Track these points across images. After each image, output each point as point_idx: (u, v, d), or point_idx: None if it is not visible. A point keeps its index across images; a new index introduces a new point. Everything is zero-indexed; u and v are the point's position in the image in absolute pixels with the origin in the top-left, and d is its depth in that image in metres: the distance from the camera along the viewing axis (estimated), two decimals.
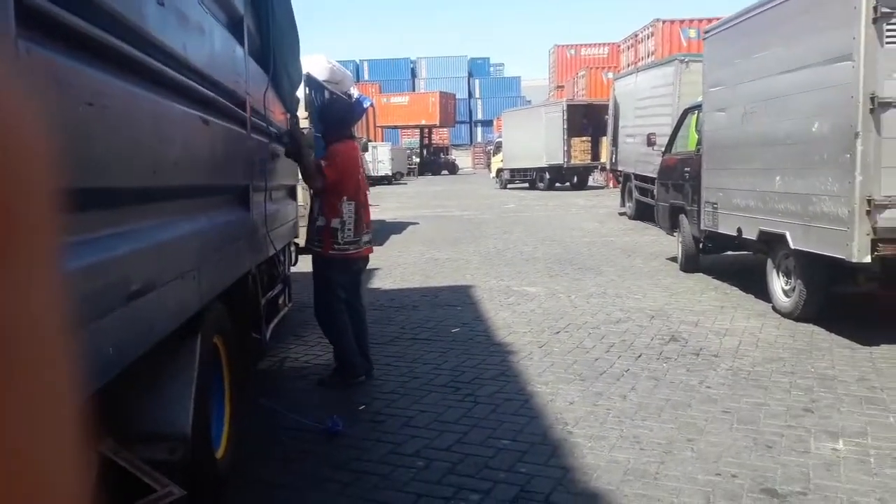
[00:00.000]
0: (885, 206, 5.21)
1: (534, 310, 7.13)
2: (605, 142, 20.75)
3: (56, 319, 0.35)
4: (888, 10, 5.10)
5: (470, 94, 72.16)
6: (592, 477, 3.41)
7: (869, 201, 5.20)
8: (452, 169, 49.40)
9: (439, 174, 46.94)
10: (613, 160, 17.53)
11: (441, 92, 50.59)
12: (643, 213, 14.15)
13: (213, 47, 3.12)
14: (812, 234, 5.82)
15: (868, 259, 5.24)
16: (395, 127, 40.42)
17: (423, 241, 13.20)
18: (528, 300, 7.60)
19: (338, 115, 5.20)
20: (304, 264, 7.72)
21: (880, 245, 5.24)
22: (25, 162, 0.32)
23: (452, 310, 7.23)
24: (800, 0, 6.11)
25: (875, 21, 5.12)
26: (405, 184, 38.32)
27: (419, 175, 45.42)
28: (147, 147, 2.22)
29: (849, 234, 5.28)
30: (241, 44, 3.75)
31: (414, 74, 73.11)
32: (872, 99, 5.16)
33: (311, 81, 10.29)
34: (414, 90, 71.17)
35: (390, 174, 37.67)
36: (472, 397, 4.57)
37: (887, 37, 5.15)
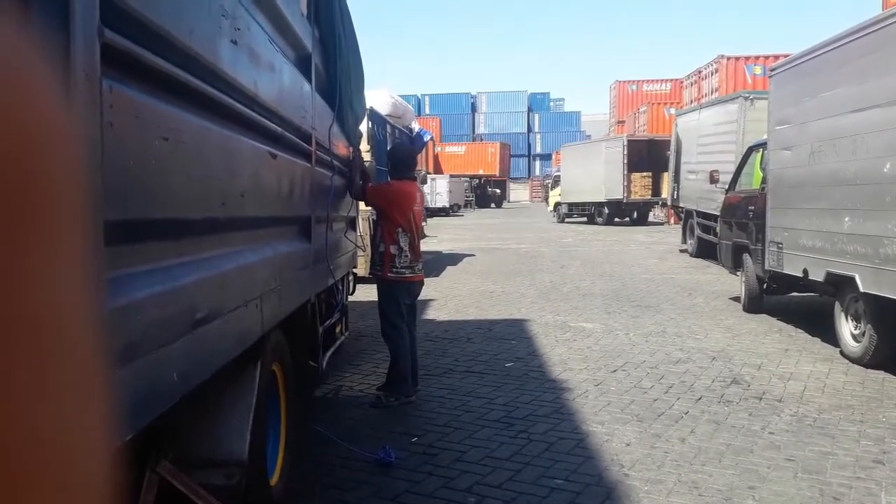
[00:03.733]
0: None
1: (590, 346, 7.02)
2: (667, 177, 20.50)
3: (78, 320, 0.36)
4: None
5: (529, 129, 72.32)
6: None
7: None
8: (499, 202, 49.91)
9: (488, 206, 47.32)
10: (675, 196, 17.27)
11: (501, 143, 51.57)
12: (705, 251, 13.86)
13: (282, 84, 3.24)
14: (884, 278, 5.59)
15: None
16: (454, 175, 41.44)
17: (478, 273, 13.20)
18: (584, 336, 7.50)
19: (401, 158, 5.61)
20: (362, 293, 7.84)
21: None
22: (48, 165, 0.34)
23: (507, 343, 7.19)
24: (871, 38, 5.95)
25: None
26: (462, 216, 38.52)
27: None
28: (217, 180, 2.31)
29: None
30: (309, 80, 3.88)
31: (474, 109, 73.78)
32: None
33: (374, 115, 10.55)
34: (474, 125, 72.03)
35: (448, 206, 38.00)
36: (525, 434, 4.51)
37: None
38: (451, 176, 40.43)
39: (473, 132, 71.54)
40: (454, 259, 15.44)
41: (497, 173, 49.91)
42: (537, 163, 69.76)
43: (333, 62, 4.54)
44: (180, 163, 1.97)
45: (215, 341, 2.23)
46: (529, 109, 73.42)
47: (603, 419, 4.80)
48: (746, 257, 8.71)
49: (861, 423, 4.67)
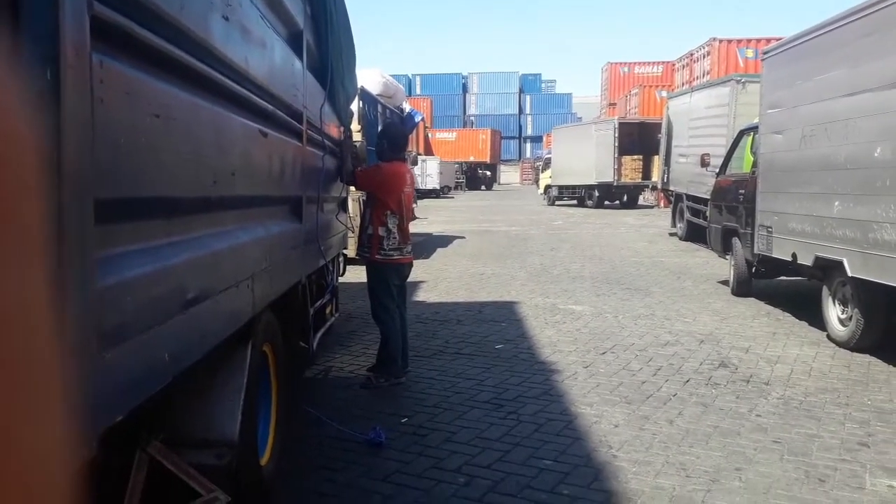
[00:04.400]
0: None
1: (580, 329, 7.05)
2: (657, 161, 20.52)
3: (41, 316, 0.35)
4: None
5: (520, 110, 72.10)
6: (636, 503, 3.34)
7: None
8: (489, 184, 50.26)
9: (478, 189, 47.39)
10: (665, 179, 17.29)
11: (492, 130, 51.61)
12: (694, 234, 13.91)
13: (273, 61, 3.20)
14: (872, 262, 5.62)
15: None
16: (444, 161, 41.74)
17: (469, 255, 13.20)
18: (574, 319, 7.53)
19: (393, 139, 5.50)
20: (352, 275, 7.82)
21: None
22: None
23: (497, 326, 7.20)
24: (865, 22, 5.94)
25: None
26: (452, 198, 38.46)
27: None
28: (208, 158, 2.28)
29: None
30: (300, 58, 3.83)
31: (465, 90, 73.42)
32: None
33: (365, 95, 10.46)
34: (465, 106, 71.69)
35: (438, 188, 37.90)
36: (514, 415, 4.53)
37: None
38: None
39: (465, 113, 71.24)
40: (444, 241, 15.42)
41: (488, 160, 50.17)
42: (528, 145, 69.63)
43: (325, 40, 4.49)
44: (171, 140, 1.94)
45: (207, 322, 2.21)
46: (521, 91, 73.13)
47: (592, 401, 4.83)
48: (736, 241, 8.74)
49: (847, 406, 4.72)
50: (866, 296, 5.90)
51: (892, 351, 5.86)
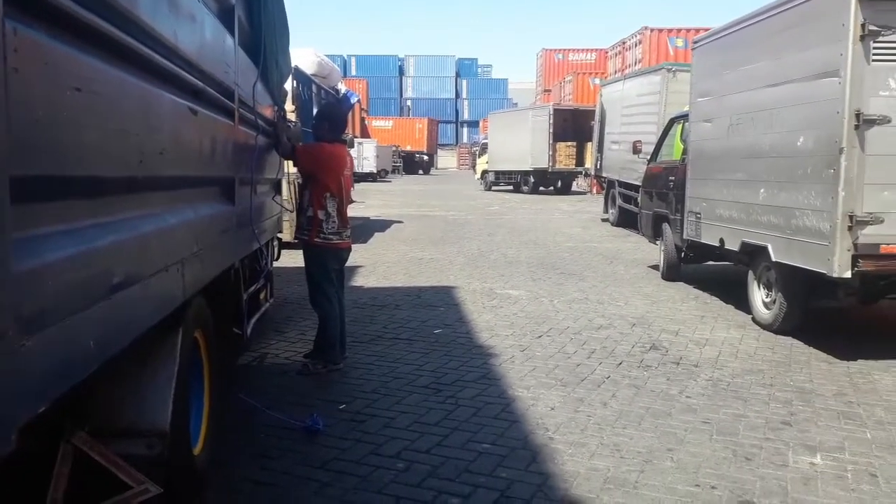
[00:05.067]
0: (867, 223, 5.25)
1: (516, 313, 7.12)
2: (590, 147, 20.86)
3: None
4: (875, 28, 5.14)
5: (457, 95, 72.18)
6: (572, 484, 3.40)
7: (851, 217, 5.24)
8: (427, 169, 50.45)
9: (416, 173, 47.43)
10: (598, 166, 17.60)
11: (429, 119, 51.69)
12: (626, 220, 14.23)
13: (203, 36, 3.06)
14: (794, 248, 5.86)
15: (848, 274, 5.27)
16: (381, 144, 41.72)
17: (407, 239, 13.15)
18: (510, 303, 7.59)
19: (335, 119, 5.43)
20: (288, 259, 7.68)
21: (860, 261, 5.28)
22: None
23: (435, 310, 7.20)
24: (788, 15, 6.13)
25: (862, 38, 5.16)
26: (390, 181, 38.26)
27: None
28: (134, 136, 2.16)
29: (830, 249, 5.31)
30: (232, 34, 3.69)
31: (401, 72, 72.94)
32: (858, 115, 5.20)
33: (300, 74, 10.22)
34: (401, 88, 71.22)
35: (375, 171, 37.62)
36: (453, 399, 4.54)
37: (874, 54, 5.18)
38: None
39: (401, 96, 70.81)
40: (382, 225, 15.32)
41: (425, 149, 50.34)
42: (465, 129, 69.86)
43: (258, 16, 4.34)
44: (94, 115, 1.83)
45: (134, 308, 2.11)
46: (457, 75, 73.18)
47: (528, 384, 4.88)
48: (666, 227, 8.97)
49: (771, 386, 4.91)
50: (789, 280, 6.14)
51: (813, 333, 6.13)
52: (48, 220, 1.57)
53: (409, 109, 62.58)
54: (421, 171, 49.39)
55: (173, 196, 2.65)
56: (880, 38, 5.16)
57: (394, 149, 45.48)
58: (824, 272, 5.39)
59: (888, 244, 5.29)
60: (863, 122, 5.21)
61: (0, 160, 1.30)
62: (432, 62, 73.01)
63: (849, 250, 5.27)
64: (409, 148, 48.70)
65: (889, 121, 5.20)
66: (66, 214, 1.66)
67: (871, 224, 5.26)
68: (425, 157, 51.70)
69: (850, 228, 5.26)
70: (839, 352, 5.68)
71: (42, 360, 1.48)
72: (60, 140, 1.62)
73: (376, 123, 47.92)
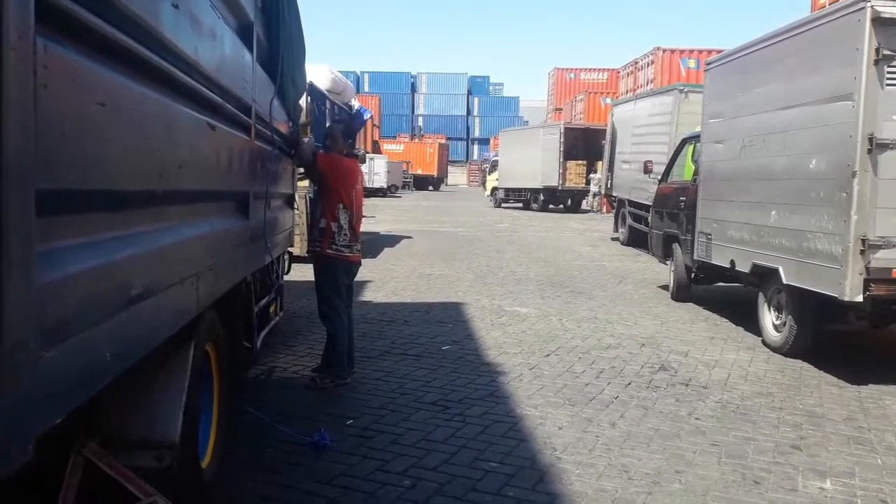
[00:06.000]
0: (879, 247, 5.24)
1: (525, 331, 7.11)
2: (601, 166, 20.89)
3: None
4: (890, 53, 5.15)
5: (468, 112, 72.60)
6: None
7: (863, 241, 5.23)
8: (437, 185, 50.99)
9: (426, 189, 47.87)
10: (609, 185, 17.62)
11: (440, 143, 52.31)
12: (636, 240, 14.21)
13: (223, 52, 3.11)
14: (805, 271, 5.84)
15: (860, 298, 5.25)
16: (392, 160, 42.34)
17: (416, 255, 13.18)
18: (519, 321, 7.59)
19: (347, 128, 5.65)
20: (298, 273, 7.71)
21: (872, 285, 5.26)
22: None
23: (443, 327, 7.20)
24: (802, 38, 6.16)
25: (877, 63, 5.17)
26: (400, 197, 38.37)
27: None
28: (155, 150, 2.20)
29: (842, 273, 5.30)
30: (250, 50, 3.75)
31: (414, 89, 73.44)
32: (871, 139, 5.20)
33: (314, 91, 10.32)
34: (413, 105, 71.67)
35: (385, 187, 37.77)
36: (460, 417, 4.53)
37: (888, 79, 5.19)
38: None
39: (413, 112, 71.22)
40: (392, 241, 15.36)
41: (435, 173, 51.00)
42: (475, 147, 70.17)
43: (276, 34, 4.40)
44: (118, 131, 1.87)
45: (150, 320, 2.13)
46: (469, 92, 73.62)
47: (536, 403, 4.87)
48: (676, 247, 8.96)
49: (780, 409, 4.88)
50: (800, 303, 6.11)
51: (823, 356, 6.10)
52: (71, 232, 1.60)
53: (420, 129, 62.88)
54: (431, 188, 49.65)
55: (190, 210, 2.68)
56: (894, 63, 5.18)
57: (404, 165, 45.78)
58: (836, 296, 5.38)
59: None
60: (876, 147, 5.21)
61: (27, 174, 1.33)
62: (444, 79, 73.51)
63: (861, 274, 5.25)
64: (419, 171, 49.23)
65: None
66: (87, 227, 1.69)
67: (884, 248, 5.25)
68: (435, 174, 52.19)
69: (862, 252, 5.24)
70: (850, 376, 5.64)
71: (61, 371, 1.51)
72: (85, 154, 1.65)
73: (388, 147, 48.28)
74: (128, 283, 1.91)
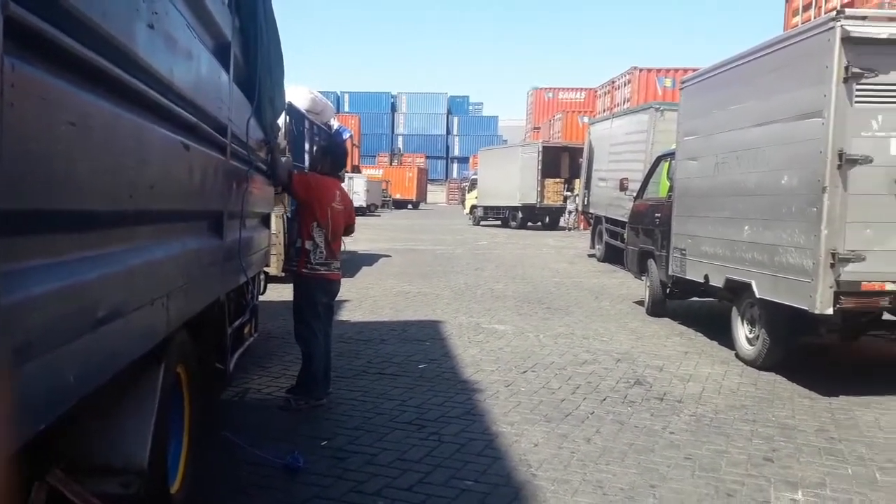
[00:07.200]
0: (849, 260, 5.34)
1: (502, 348, 7.13)
2: (578, 184, 21.08)
3: None
4: (859, 71, 5.27)
5: (448, 131, 73.05)
6: None
7: (833, 255, 5.32)
8: (416, 204, 51.48)
9: (405, 208, 48.25)
10: (586, 202, 17.77)
11: (419, 167, 52.78)
12: (612, 256, 14.33)
13: (198, 72, 3.12)
14: (777, 285, 5.93)
15: (830, 311, 5.34)
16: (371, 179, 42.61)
17: (394, 273, 13.17)
18: (496, 338, 7.60)
19: (335, 156, 5.65)
20: (273, 293, 7.67)
21: (842, 298, 5.36)
22: None
23: (420, 345, 7.20)
24: (774, 57, 6.29)
25: (846, 80, 5.28)
26: (378, 215, 38.37)
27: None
28: (126, 170, 2.19)
29: (813, 286, 5.39)
30: (227, 70, 3.76)
31: (394, 109, 73.74)
32: (840, 155, 5.30)
33: (293, 110, 10.33)
34: (393, 125, 71.94)
35: (365, 206, 37.80)
36: (436, 436, 4.52)
37: (857, 96, 5.30)
38: None
39: (393, 131, 71.45)
40: (370, 259, 15.34)
41: (414, 198, 51.31)
42: (455, 165, 70.53)
43: (253, 53, 4.41)
44: (88, 150, 1.86)
45: (117, 341, 2.12)
46: (449, 112, 74.11)
47: (513, 420, 4.87)
48: (651, 263, 9.06)
49: (753, 422, 4.94)
50: (772, 316, 6.20)
51: (796, 369, 6.18)
52: (36, 253, 1.59)
53: (399, 150, 63.10)
54: (410, 207, 49.77)
55: (162, 229, 2.67)
56: (863, 80, 5.29)
57: (383, 184, 45.91)
58: (807, 309, 5.46)
59: (869, 281, 5.38)
60: (845, 162, 5.31)
61: None
62: (424, 99, 73.97)
63: (831, 287, 5.35)
64: (398, 196, 49.49)
65: (871, 161, 5.31)
66: (54, 248, 1.68)
67: (853, 262, 5.35)
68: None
69: (832, 266, 5.34)
70: (821, 388, 5.72)
71: (23, 394, 1.49)
72: (52, 174, 1.65)
73: (367, 172, 48.54)
74: (95, 304, 1.90)
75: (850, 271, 5.35)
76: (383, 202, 45.07)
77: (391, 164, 55.63)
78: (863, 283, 5.38)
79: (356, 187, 36.51)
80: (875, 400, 5.49)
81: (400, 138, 70.77)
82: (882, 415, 5.16)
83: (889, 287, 5.39)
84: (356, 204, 37.29)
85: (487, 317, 8.88)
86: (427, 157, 63.84)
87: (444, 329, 8.02)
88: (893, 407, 5.36)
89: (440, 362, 6.51)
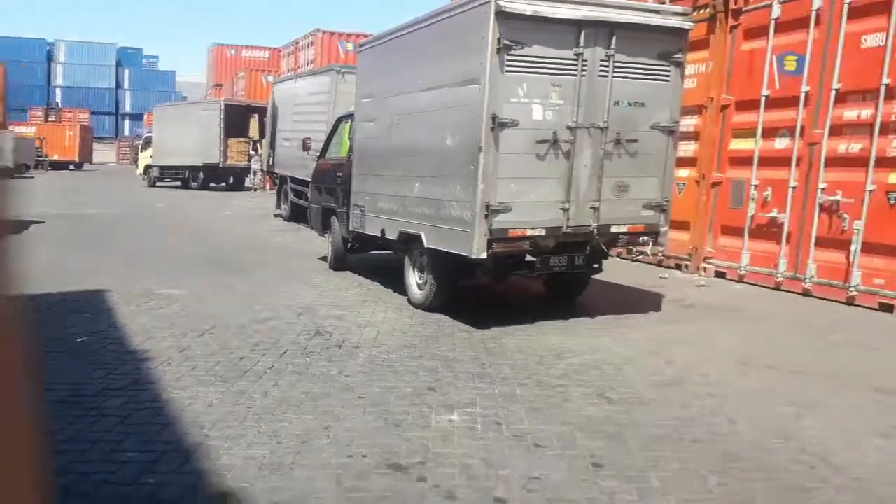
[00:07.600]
0: (499, 211, 5.99)
1: (177, 313, 6.70)
2: (263, 143, 20.63)
3: None
4: (509, 43, 5.83)
5: (118, 85, 66.10)
6: (227, 477, 3.29)
7: (487, 206, 5.93)
8: (79, 165, 46.05)
9: (66, 169, 43.21)
10: (271, 162, 17.45)
11: (81, 125, 46.76)
12: (298, 215, 14.31)
13: None
14: (442, 235, 6.45)
15: (485, 255, 5.98)
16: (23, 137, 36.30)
17: (51, 242, 11.56)
18: (171, 303, 7.12)
19: None
20: None
21: (494, 244, 6.02)
22: None
23: (80, 317, 6.43)
24: (440, 26, 6.68)
25: (499, 51, 5.81)
26: (32, 177, 33.39)
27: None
28: None
29: (471, 235, 5.96)
30: None
31: (50, 58, 64.37)
32: (493, 118, 5.86)
33: None
34: (49, 75, 62.99)
35: (11, 166, 32.60)
36: (95, 411, 4.08)
37: (507, 65, 5.87)
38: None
39: (49, 83, 62.60)
40: (14, 227, 13.24)
41: (76, 159, 45.24)
42: (127, 122, 64.26)
43: None
44: None
45: None
46: (119, 64, 67.00)
47: (186, 384, 4.62)
48: (334, 220, 9.24)
49: (420, 357, 5.35)
50: (438, 263, 6.76)
51: (457, 309, 6.82)
52: None
53: (58, 105, 55.29)
54: (72, 168, 44.13)
55: None
56: (512, 52, 5.86)
57: (37, 141, 39.98)
58: (466, 255, 6.03)
59: (515, 229, 6.11)
60: (497, 125, 5.89)
61: None
62: (88, 49, 65.80)
63: (485, 235, 5.96)
64: (56, 157, 43.08)
65: (517, 124, 5.96)
66: None
67: (503, 213, 6.01)
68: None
69: (486, 216, 5.94)
70: (477, 322, 6.41)
71: None
72: None
73: (16, 129, 41.65)
74: None
75: (500, 220, 6.01)
76: (38, 163, 39.28)
77: (47, 121, 48.58)
78: (510, 230, 6.09)
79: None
80: (520, 328, 6.32)
81: (58, 91, 62.19)
82: (523, 340, 5.94)
83: (529, 233, 6.18)
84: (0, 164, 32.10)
85: (161, 281, 8.24)
86: (92, 113, 57.00)
87: (110, 298, 7.27)
88: (534, 333, 6.22)
89: (106, 333, 5.89)
